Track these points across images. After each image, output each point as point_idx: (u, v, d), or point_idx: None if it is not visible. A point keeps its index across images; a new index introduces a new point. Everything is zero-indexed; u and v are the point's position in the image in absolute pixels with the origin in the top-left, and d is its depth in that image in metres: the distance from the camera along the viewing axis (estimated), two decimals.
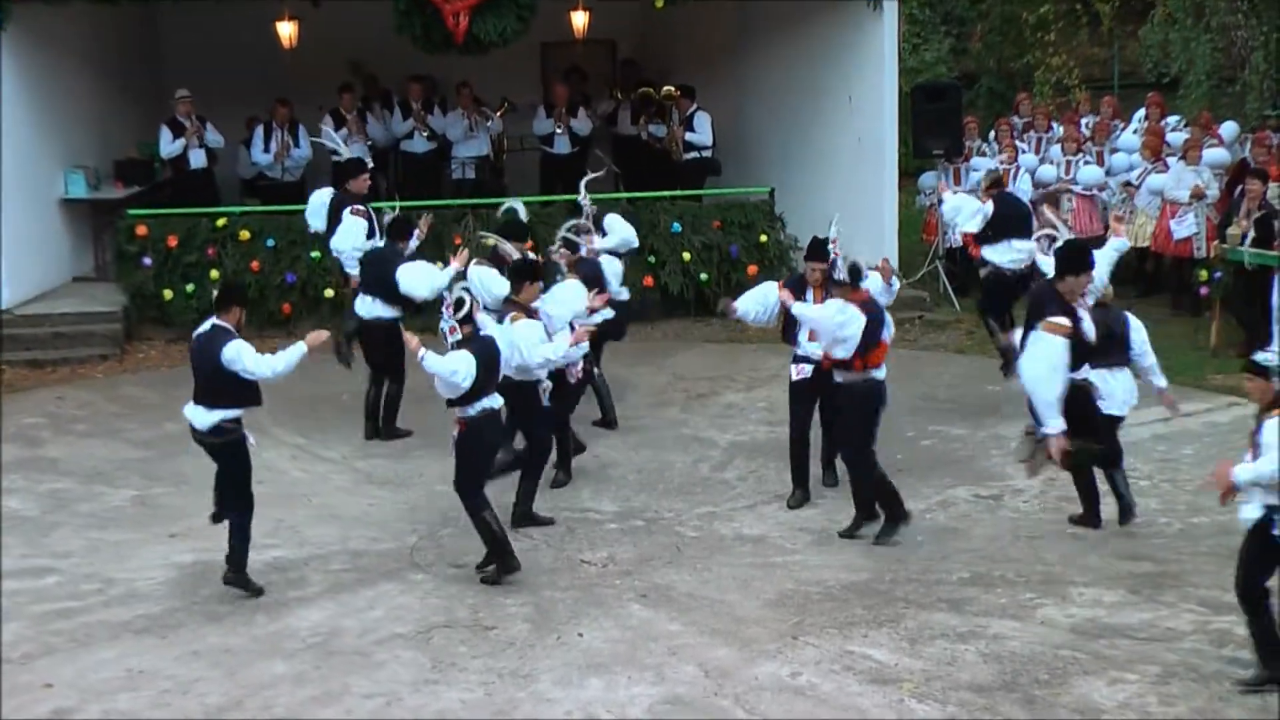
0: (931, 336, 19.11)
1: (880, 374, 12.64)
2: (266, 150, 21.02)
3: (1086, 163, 20.58)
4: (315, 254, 18.76)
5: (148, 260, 18.86)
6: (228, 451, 12.04)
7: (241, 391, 11.88)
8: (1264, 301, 16.95)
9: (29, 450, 15.41)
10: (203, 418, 11.93)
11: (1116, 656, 10.62)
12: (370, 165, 16.38)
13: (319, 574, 12.33)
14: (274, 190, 20.88)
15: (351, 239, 15.37)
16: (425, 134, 21.41)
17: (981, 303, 16.65)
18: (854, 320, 12.31)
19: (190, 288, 18.59)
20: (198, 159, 20.66)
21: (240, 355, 11.73)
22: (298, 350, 11.85)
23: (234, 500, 12.09)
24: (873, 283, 12.85)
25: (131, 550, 12.92)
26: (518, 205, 15.58)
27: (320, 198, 16.16)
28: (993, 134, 21.61)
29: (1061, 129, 21.49)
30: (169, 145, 20.57)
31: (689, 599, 11.78)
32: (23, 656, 11.05)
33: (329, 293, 18.53)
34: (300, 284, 19.12)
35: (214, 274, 18.68)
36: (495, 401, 12.04)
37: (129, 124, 21.76)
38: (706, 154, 21.30)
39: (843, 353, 12.46)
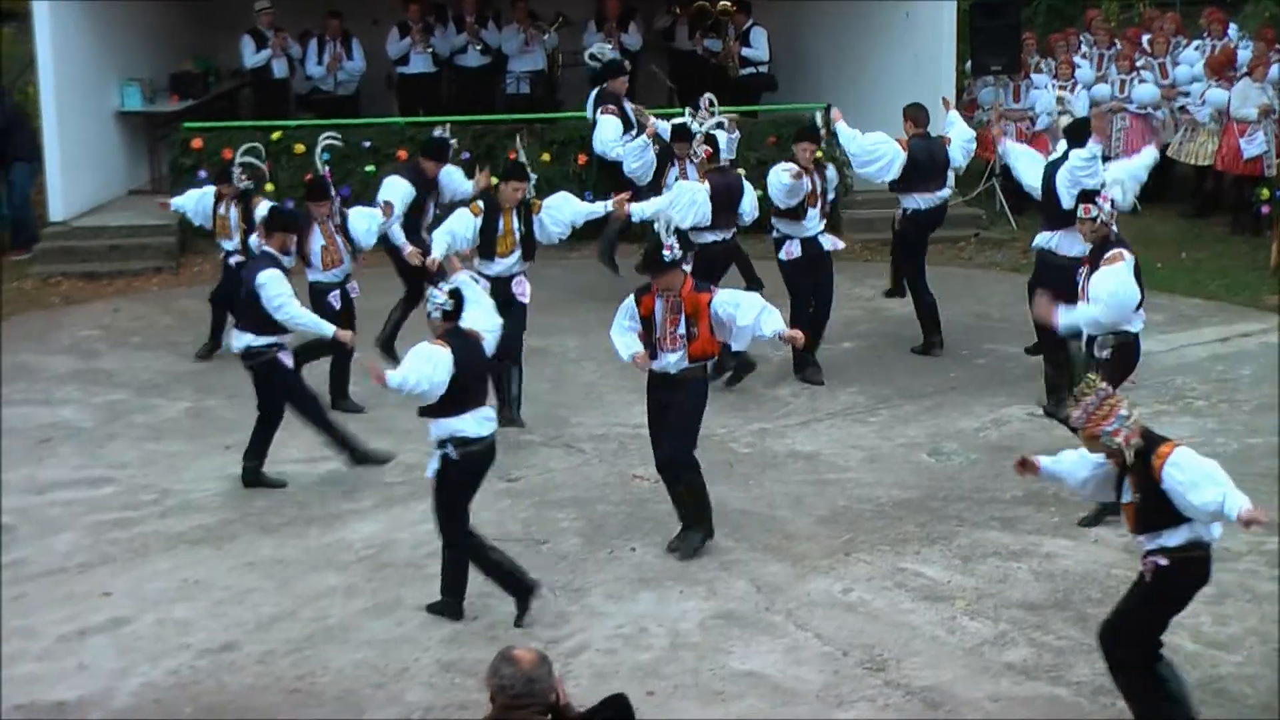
0: (987, 254, 18.97)
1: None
2: (320, 63, 20.96)
3: (1141, 81, 20.32)
4: (369, 168, 18.71)
5: (203, 173, 18.81)
6: (258, 375, 12.13)
7: (269, 320, 11.94)
8: None
9: (85, 362, 15.49)
10: (235, 338, 12.09)
11: None
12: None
13: (372, 487, 12.38)
14: (328, 104, 20.83)
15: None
16: (479, 48, 21.29)
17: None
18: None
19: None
20: (280, 69, 20.70)
21: (268, 285, 11.80)
22: (320, 327, 11.86)
23: (262, 408, 12.36)
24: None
25: (186, 462, 12.99)
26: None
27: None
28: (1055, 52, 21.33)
29: (1120, 46, 21.21)
30: (253, 56, 20.58)
31: (741, 515, 11.78)
32: (80, 566, 11.16)
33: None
34: (354, 197, 19.04)
35: (269, 186, 18.65)
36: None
37: (183, 37, 21.72)
38: (763, 69, 21.14)
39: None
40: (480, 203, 13.23)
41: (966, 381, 14.49)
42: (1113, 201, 11.55)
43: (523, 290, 13.24)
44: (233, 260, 14.82)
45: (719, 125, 14.91)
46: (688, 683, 9.42)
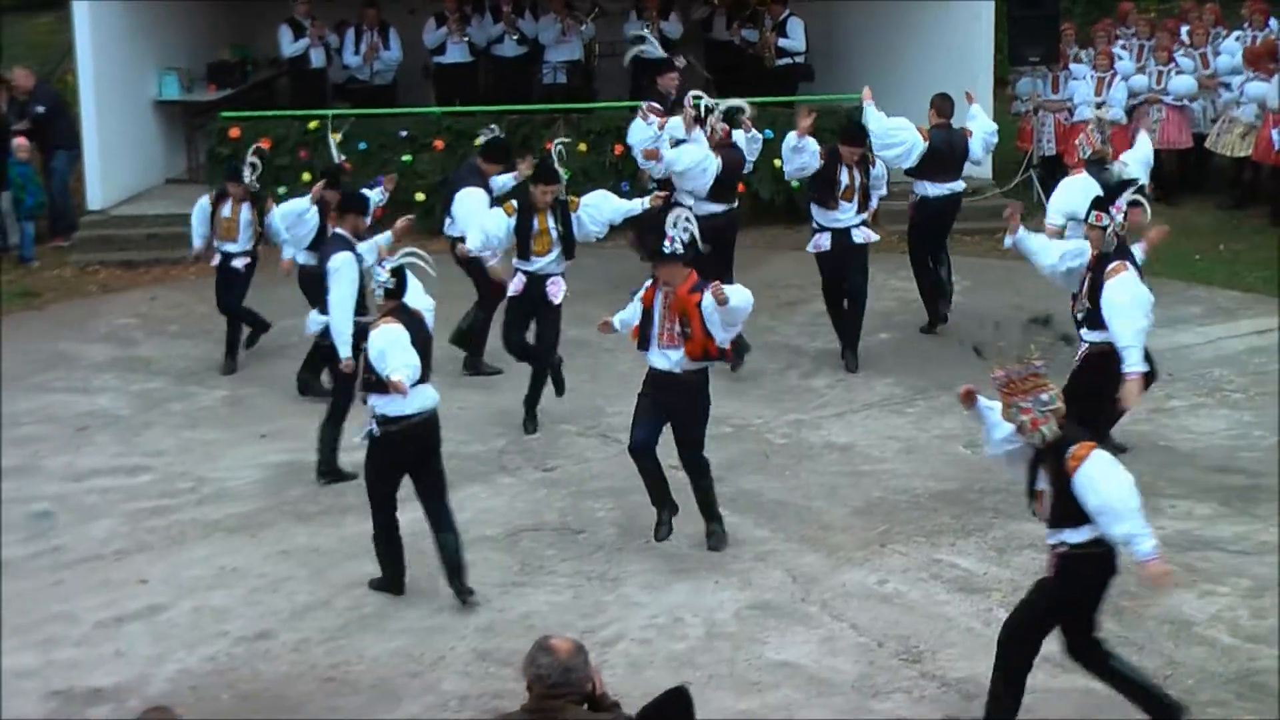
0: None
1: None
2: (356, 53, 20.98)
3: (1179, 72, 20.21)
4: (406, 157, 18.74)
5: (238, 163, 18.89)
6: (333, 356, 12.12)
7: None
8: None
9: (122, 350, 15.55)
10: (312, 321, 12.23)
11: (1208, 569, 10.55)
12: None
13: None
14: (364, 93, 20.86)
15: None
16: (515, 37, 21.28)
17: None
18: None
19: (282, 190, 18.59)
20: (318, 59, 20.74)
21: (340, 271, 11.86)
22: (341, 346, 11.80)
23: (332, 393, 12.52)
24: None
25: (222, 450, 13.04)
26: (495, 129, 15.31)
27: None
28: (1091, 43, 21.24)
29: (1158, 37, 21.09)
30: (290, 45, 20.61)
31: (777, 505, 11.78)
32: (117, 553, 11.21)
33: (420, 196, 18.52)
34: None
35: (305, 176, 18.69)
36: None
37: (221, 26, 21.76)
38: (799, 60, 21.09)
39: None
40: (514, 202, 13.13)
41: None
42: (1125, 212, 11.40)
43: (555, 290, 13.14)
44: (237, 263, 14.73)
45: (739, 110, 14.88)
46: (723, 673, 9.43)
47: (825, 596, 10.36)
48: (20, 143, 18.59)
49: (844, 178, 14.34)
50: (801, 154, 14.49)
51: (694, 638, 9.84)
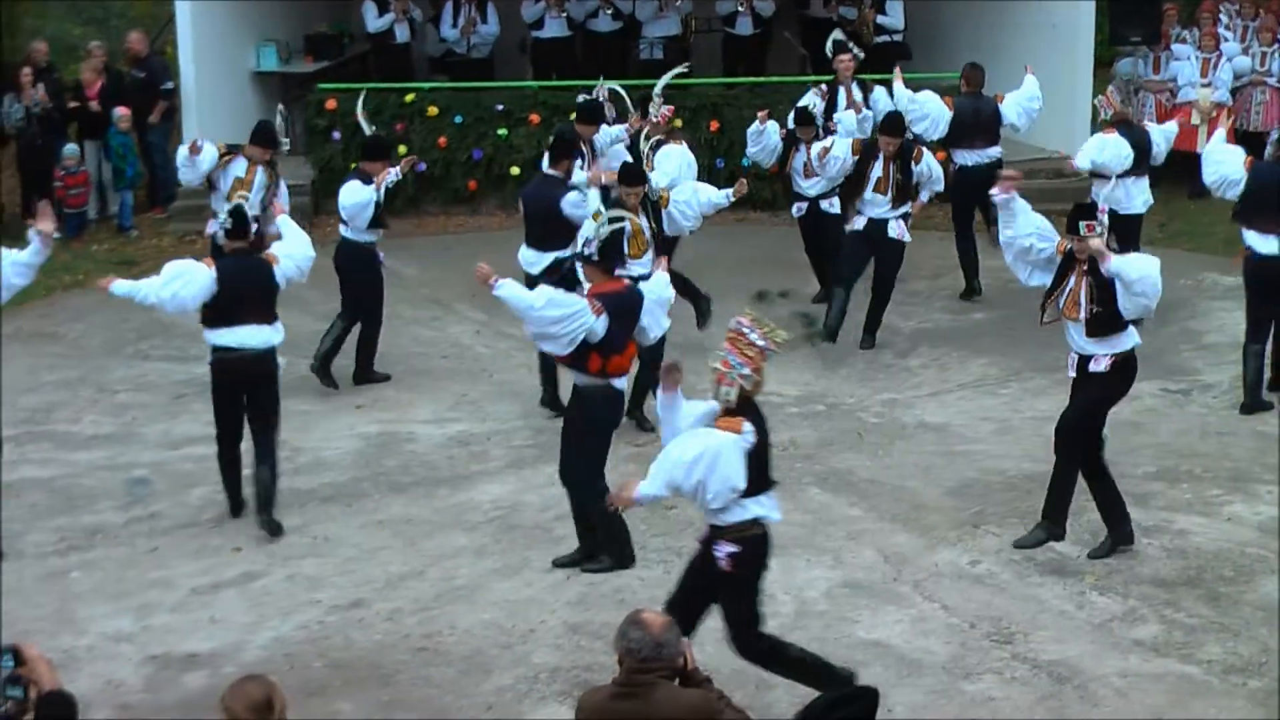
0: None
1: (620, 384, 10.58)
2: (454, 26, 21.01)
3: None
4: (502, 131, 18.78)
5: (336, 134, 18.97)
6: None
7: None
8: None
9: None
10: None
11: None
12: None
13: (501, 449, 12.45)
14: (462, 67, 20.86)
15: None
16: (610, 12, 21.22)
17: None
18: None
19: None
20: (403, 33, 20.74)
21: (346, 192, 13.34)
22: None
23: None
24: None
25: (317, 420, 13.13)
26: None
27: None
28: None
29: (1262, 18, 20.80)
30: (375, 21, 20.60)
31: (869, 484, 11.74)
32: (212, 520, 11.32)
33: (515, 170, 18.56)
34: (486, 160, 19.14)
35: (401, 149, 18.76)
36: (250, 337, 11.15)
37: None
38: (897, 38, 20.95)
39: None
40: (603, 208, 12.09)
41: None
42: (1110, 214, 10.88)
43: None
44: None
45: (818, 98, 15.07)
46: (813, 651, 9.39)
47: (917, 576, 10.32)
48: (122, 113, 18.76)
49: (878, 170, 14.46)
50: (763, 137, 15.28)
51: (785, 615, 9.82)
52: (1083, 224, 10.29)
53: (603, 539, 10.50)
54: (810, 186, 15.26)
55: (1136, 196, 15.07)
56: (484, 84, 19.78)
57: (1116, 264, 10.15)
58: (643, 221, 12.62)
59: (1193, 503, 11.34)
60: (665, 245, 12.91)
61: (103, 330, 15.08)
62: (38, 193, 17.11)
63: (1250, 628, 9.59)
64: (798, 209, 15.55)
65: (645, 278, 12.31)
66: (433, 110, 19.03)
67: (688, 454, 8.20)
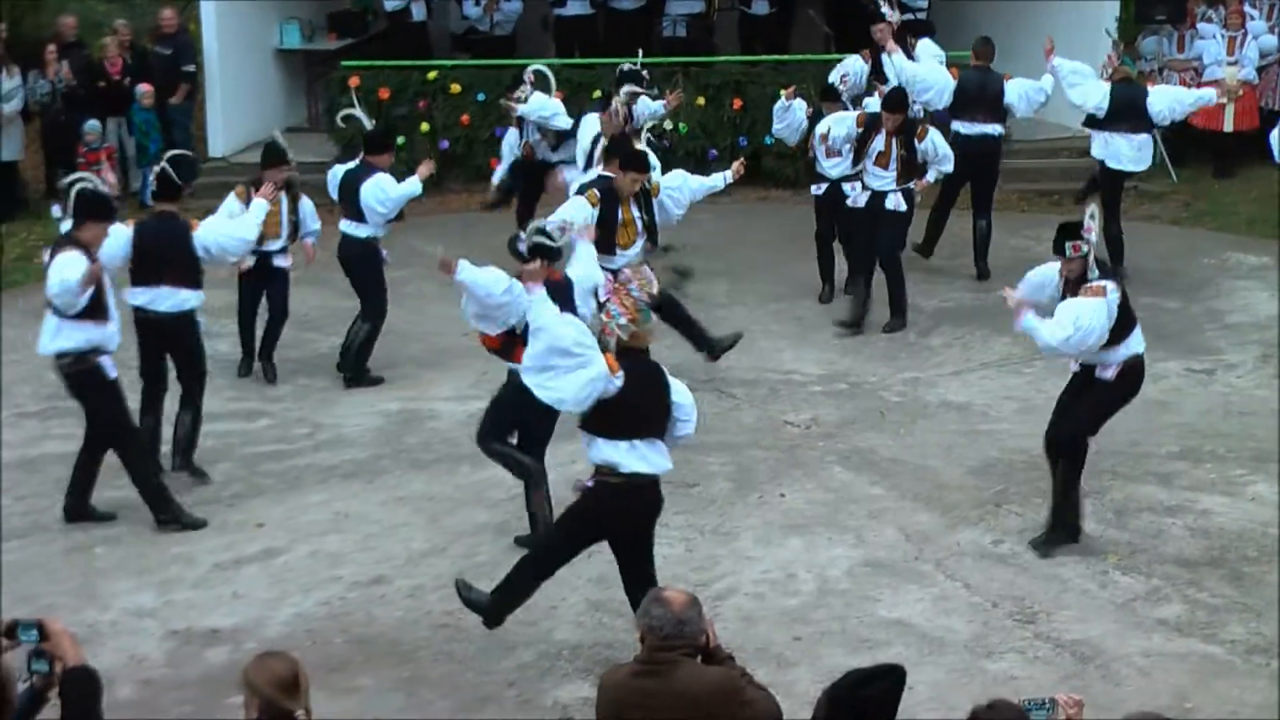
0: (1145, 208, 18.62)
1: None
2: (477, 4, 20.98)
3: None
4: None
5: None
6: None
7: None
8: None
9: None
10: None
11: None
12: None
13: None
14: (484, 44, 20.83)
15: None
16: None
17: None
18: None
19: (400, 140, 18.66)
20: (419, 12, 20.72)
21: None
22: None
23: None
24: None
25: (339, 397, 13.15)
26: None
27: None
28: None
29: None
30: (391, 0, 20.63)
31: (891, 463, 11.73)
32: (234, 496, 11.34)
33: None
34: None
35: (424, 127, 18.77)
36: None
37: None
38: (921, 15, 20.86)
39: None
40: (597, 191, 12.35)
41: None
42: (1094, 232, 10.29)
43: (650, 279, 12.09)
44: (280, 262, 13.60)
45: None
46: (835, 629, 9.41)
47: (939, 555, 10.31)
48: (145, 89, 18.77)
49: (879, 144, 14.42)
50: (789, 114, 15.23)
51: (806, 593, 9.83)
52: (1069, 245, 10.16)
53: (508, 466, 10.61)
54: (832, 167, 15.07)
55: (1126, 154, 15.51)
56: (506, 61, 19.74)
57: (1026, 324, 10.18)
58: (635, 211, 12.41)
59: (1216, 482, 11.30)
60: (653, 234, 12.71)
61: (124, 306, 15.05)
62: (62, 168, 17.11)
63: (1273, 608, 9.55)
64: (817, 188, 15.42)
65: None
66: (455, 88, 19.02)
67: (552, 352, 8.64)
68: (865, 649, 9.14)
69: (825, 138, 14.62)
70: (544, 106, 15.07)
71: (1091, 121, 15.75)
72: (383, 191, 13.25)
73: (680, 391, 8.87)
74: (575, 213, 12.00)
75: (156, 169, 11.47)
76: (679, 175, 13.25)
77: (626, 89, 14.42)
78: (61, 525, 10.93)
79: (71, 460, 11.12)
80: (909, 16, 20.65)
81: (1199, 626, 9.40)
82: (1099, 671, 8.94)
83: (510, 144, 15.77)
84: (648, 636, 6.08)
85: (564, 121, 15.10)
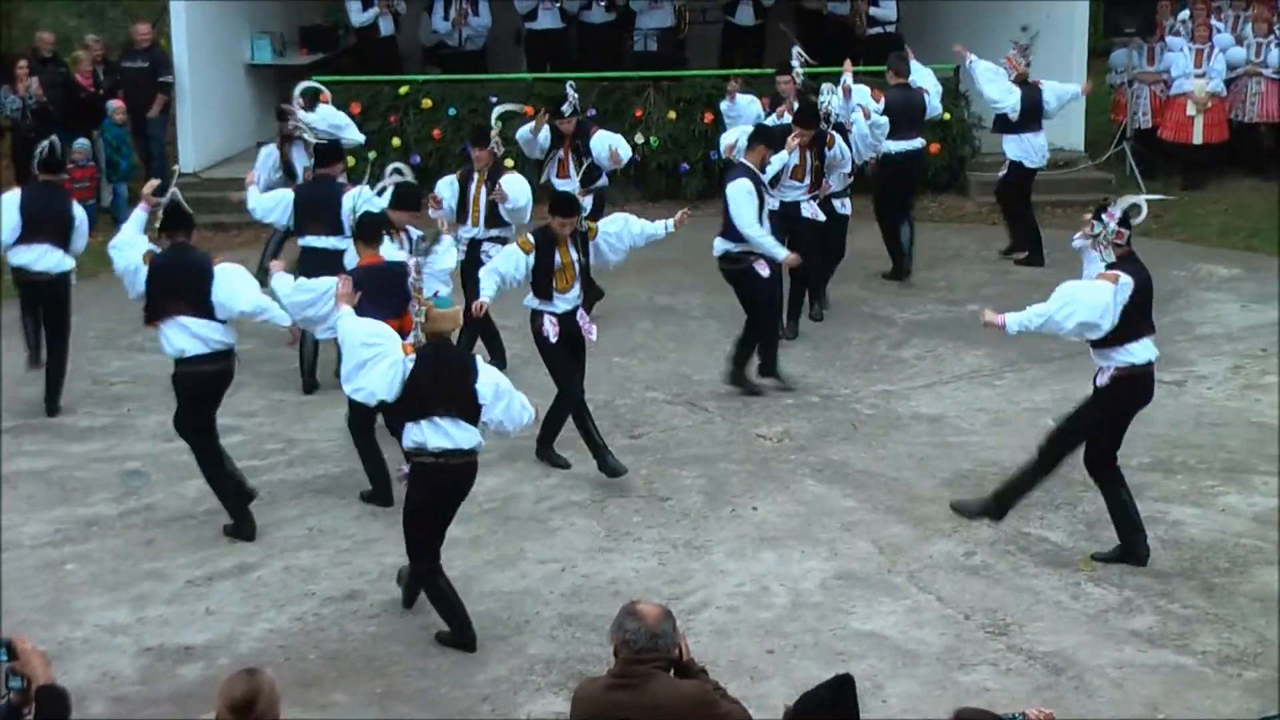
0: None
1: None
2: (446, 19, 21.00)
3: (1278, 44, 19.90)
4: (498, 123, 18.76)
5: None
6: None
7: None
8: None
9: None
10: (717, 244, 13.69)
11: None
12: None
13: (496, 440, 12.39)
14: (455, 59, 20.87)
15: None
16: (604, 3, 21.23)
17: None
18: None
19: (372, 155, 18.67)
20: (387, 27, 20.76)
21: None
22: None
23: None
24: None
25: (312, 412, 13.14)
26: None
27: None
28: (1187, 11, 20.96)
29: (1255, 9, 20.77)
30: (359, 15, 20.62)
31: (864, 475, 11.75)
32: (207, 512, 11.30)
33: (509, 163, 18.52)
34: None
35: (395, 141, 18.77)
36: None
37: None
38: (890, 29, 20.95)
39: None
40: (531, 237, 11.81)
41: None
42: (1118, 219, 10.09)
43: (590, 328, 12.07)
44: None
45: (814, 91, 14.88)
46: (808, 642, 9.42)
47: (912, 567, 10.33)
48: (117, 104, 18.76)
49: (793, 158, 14.22)
50: (735, 109, 15.60)
51: (780, 606, 9.84)
52: (1088, 216, 10.20)
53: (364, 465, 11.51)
54: (794, 191, 14.51)
55: (1036, 152, 16.60)
56: (477, 76, 19.78)
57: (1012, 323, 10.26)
58: (573, 253, 11.87)
59: (1187, 494, 11.35)
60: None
61: (98, 322, 15.04)
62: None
63: (1245, 619, 9.60)
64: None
65: (573, 313, 11.92)
66: (427, 102, 19.04)
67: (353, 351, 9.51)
68: (839, 661, 9.14)
69: (731, 149, 14.31)
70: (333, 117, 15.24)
71: (1004, 125, 16.48)
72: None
73: (486, 379, 9.36)
74: (507, 262, 11.87)
75: (166, 198, 11.00)
76: (620, 219, 12.48)
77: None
78: (34, 541, 10.91)
79: (44, 477, 11.08)
80: (879, 30, 20.83)
81: (1171, 637, 9.44)
82: (1072, 683, 8.96)
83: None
84: (622, 650, 6.10)
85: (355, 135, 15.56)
